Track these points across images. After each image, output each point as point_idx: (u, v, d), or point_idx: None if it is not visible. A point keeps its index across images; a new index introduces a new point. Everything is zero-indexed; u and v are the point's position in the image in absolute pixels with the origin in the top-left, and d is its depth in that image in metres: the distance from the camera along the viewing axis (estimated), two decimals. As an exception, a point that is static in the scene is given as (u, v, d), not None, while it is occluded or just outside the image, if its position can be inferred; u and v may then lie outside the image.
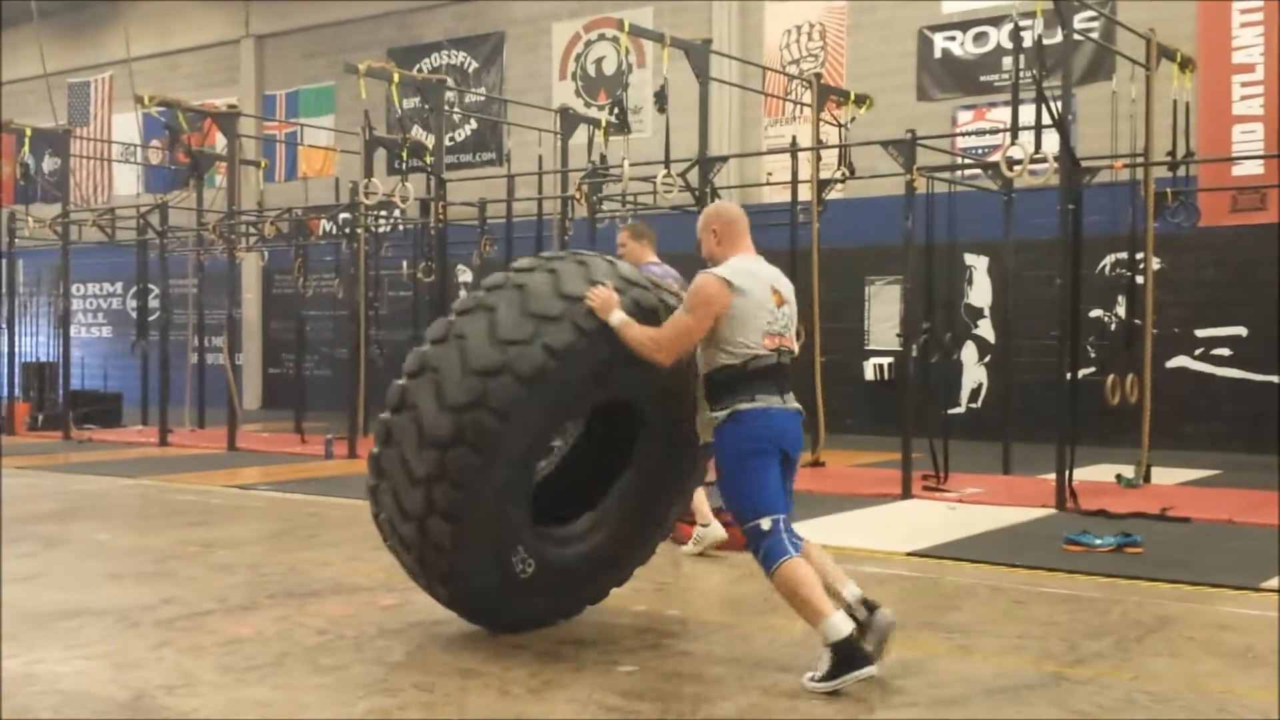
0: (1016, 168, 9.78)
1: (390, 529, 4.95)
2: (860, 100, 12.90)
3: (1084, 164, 9.85)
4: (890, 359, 15.09)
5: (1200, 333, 13.68)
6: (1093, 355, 13.11)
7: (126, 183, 23.85)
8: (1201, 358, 13.69)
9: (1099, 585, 6.38)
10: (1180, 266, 13.52)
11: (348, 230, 14.97)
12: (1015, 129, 9.95)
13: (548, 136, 14.35)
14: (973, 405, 14.93)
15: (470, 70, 19.77)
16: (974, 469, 10.87)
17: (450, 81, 15.64)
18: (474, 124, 19.65)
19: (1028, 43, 10.16)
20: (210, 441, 14.75)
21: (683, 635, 5.25)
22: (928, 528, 8.18)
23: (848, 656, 4.32)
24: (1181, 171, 10.95)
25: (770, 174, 15.89)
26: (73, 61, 23.98)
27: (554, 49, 19.00)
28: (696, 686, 4.49)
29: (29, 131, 16.32)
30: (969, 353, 15.01)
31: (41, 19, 20.22)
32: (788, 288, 4.87)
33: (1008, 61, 14.55)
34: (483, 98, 19.33)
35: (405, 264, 15.69)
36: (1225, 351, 13.59)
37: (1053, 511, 8.86)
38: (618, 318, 4.78)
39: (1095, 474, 10.55)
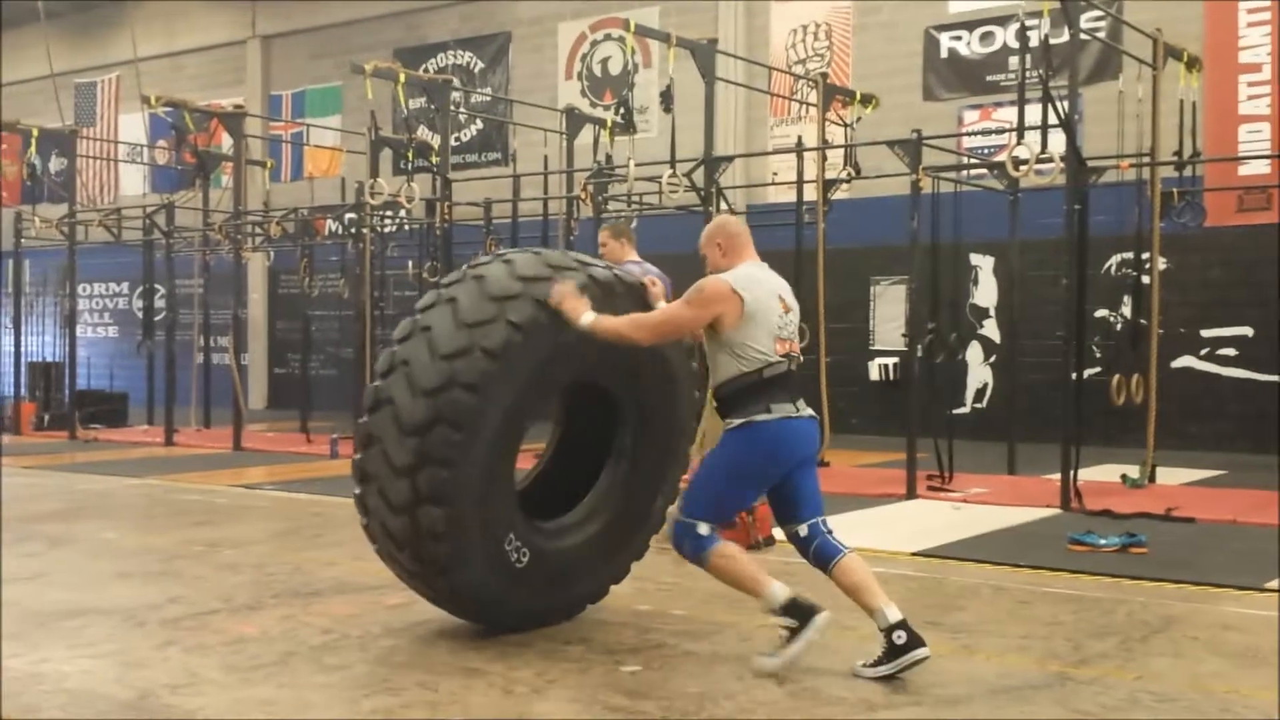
0: (1022, 167, 9.76)
1: (381, 531, 4.96)
2: (866, 100, 12.89)
3: (1090, 164, 9.82)
4: (895, 359, 15.08)
5: (1206, 333, 13.66)
6: (1098, 355, 13.10)
7: (133, 183, 23.87)
8: (1207, 358, 13.67)
9: (1103, 585, 6.38)
10: (1186, 266, 13.49)
11: (353, 230, 15.00)
12: (1021, 129, 9.93)
13: (553, 136, 14.38)
14: (978, 405, 14.92)
15: (476, 70, 19.78)
16: (979, 469, 10.86)
17: (456, 82, 15.62)
18: (480, 124, 19.67)
19: (1034, 42, 10.14)
20: (216, 441, 14.78)
21: (687, 635, 5.25)
22: (932, 528, 8.18)
23: (803, 615, 4.52)
24: (1188, 171, 10.90)
25: (776, 174, 15.88)
26: (79, 62, 24.01)
27: (560, 49, 19.00)
28: (700, 686, 4.50)
29: (35, 132, 16.39)
30: (974, 353, 14.98)
31: (48, 20, 20.30)
32: (790, 295, 4.92)
33: (1014, 61, 14.56)
34: (488, 98, 19.34)
35: (411, 264, 15.70)
36: (1231, 352, 13.56)
37: (1057, 511, 8.85)
38: (588, 319, 4.82)
39: (1100, 474, 10.55)
